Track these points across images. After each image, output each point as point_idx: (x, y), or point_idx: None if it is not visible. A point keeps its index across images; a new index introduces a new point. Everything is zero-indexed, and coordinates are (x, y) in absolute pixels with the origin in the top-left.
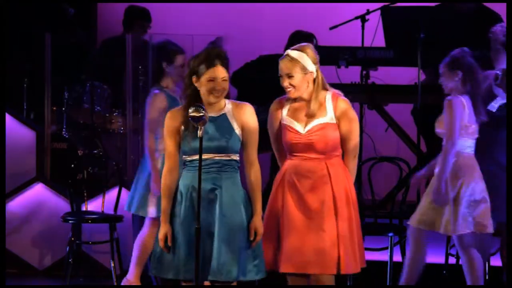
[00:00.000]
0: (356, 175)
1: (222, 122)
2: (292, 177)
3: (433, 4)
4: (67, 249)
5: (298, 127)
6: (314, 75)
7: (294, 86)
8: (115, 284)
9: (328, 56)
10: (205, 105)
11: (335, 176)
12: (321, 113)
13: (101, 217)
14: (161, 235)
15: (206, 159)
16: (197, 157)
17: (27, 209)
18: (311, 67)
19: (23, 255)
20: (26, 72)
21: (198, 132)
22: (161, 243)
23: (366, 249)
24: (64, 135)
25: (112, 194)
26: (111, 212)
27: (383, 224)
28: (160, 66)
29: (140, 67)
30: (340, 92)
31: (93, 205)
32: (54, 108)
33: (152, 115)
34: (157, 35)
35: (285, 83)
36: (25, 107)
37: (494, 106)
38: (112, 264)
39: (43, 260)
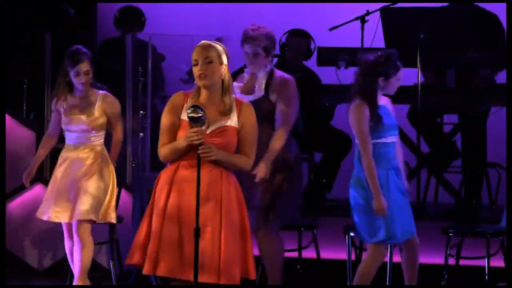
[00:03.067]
0: None
1: None
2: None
3: (433, 5)
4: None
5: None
6: (225, 71)
7: (207, 74)
8: (114, 283)
9: (328, 57)
10: None
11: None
12: (225, 116)
13: None
14: None
15: None
16: None
17: (27, 209)
18: (225, 61)
19: (23, 256)
20: (26, 72)
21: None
22: None
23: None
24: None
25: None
26: None
27: None
28: None
29: (140, 68)
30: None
31: None
32: None
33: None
34: (157, 36)
35: (202, 68)
36: (25, 107)
37: None
38: (112, 265)
39: (43, 260)
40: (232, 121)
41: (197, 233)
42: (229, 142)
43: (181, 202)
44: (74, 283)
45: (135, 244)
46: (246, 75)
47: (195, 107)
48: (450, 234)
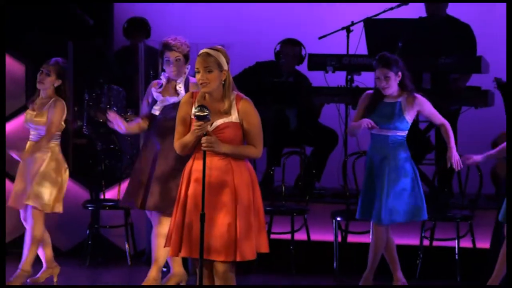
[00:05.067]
0: (341, 167)
1: None
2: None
3: (410, 17)
4: (87, 232)
5: None
6: (226, 75)
7: (209, 81)
8: (129, 263)
9: (317, 63)
10: None
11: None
12: (227, 112)
13: (117, 204)
14: None
15: None
16: None
17: None
18: (225, 66)
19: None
20: None
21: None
22: None
23: (354, 232)
24: (85, 132)
25: (126, 183)
26: None
27: None
28: None
29: (151, 71)
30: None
31: (109, 194)
32: (76, 108)
33: None
34: None
35: (202, 77)
36: None
37: None
38: (127, 246)
39: (66, 242)
40: (233, 117)
41: (203, 218)
42: (234, 136)
43: (197, 191)
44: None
45: (167, 233)
46: (163, 80)
47: (201, 107)
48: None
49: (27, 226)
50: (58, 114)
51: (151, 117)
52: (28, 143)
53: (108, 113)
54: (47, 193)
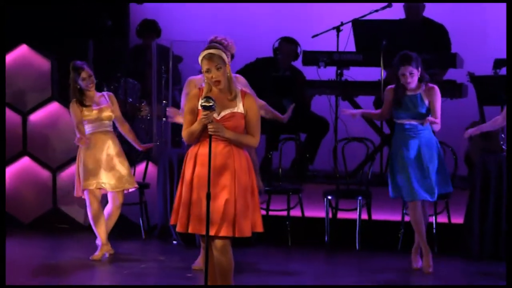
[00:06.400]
0: (332, 152)
1: None
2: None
3: (392, 18)
4: None
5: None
6: (228, 69)
7: (221, 78)
8: (143, 236)
9: (311, 59)
10: None
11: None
12: (233, 103)
13: None
14: None
15: None
16: None
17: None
18: (227, 59)
19: (72, 214)
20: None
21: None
22: None
23: (343, 209)
24: None
25: (141, 167)
26: (141, 181)
27: (354, 190)
28: None
29: (162, 67)
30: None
31: None
32: None
33: None
34: (176, 42)
35: (215, 75)
36: None
37: None
38: (141, 221)
39: (87, 218)
40: (239, 108)
41: (208, 196)
42: (238, 124)
43: (203, 173)
44: None
45: (173, 209)
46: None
47: (208, 98)
48: None
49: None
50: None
51: None
52: (98, 134)
53: (167, 110)
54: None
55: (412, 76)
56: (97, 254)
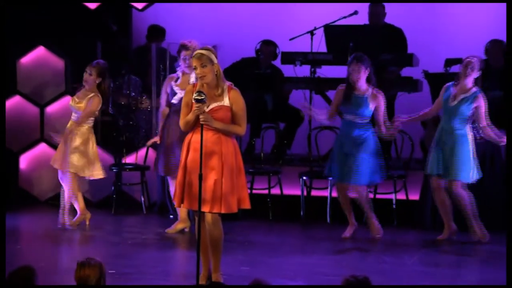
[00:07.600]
0: (307, 138)
1: None
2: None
3: (359, 23)
4: (112, 188)
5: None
6: (217, 68)
7: (205, 74)
8: (144, 212)
9: (288, 58)
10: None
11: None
12: (220, 97)
13: (135, 167)
14: None
15: None
16: None
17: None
18: (215, 60)
19: (84, 193)
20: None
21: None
22: None
23: (316, 188)
24: (110, 111)
25: (142, 152)
26: (142, 163)
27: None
28: None
29: (161, 65)
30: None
31: (129, 159)
32: None
33: None
34: (173, 44)
35: (200, 71)
36: None
37: None
38: (143, 199)
39: (96, 195)
40: (225, 102)
41: (200, 178)
42: (224, 116)
43: (195, 157)
44: None
45: (175, 194)
46: (179, 74)
47: (199, 92)
48: None
49: (64, 184)
50: (93, 107)
51: (170, 105)
52: (70, 122)
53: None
54: (75, 160)
55: (359, 72)
56: (75, 220)
